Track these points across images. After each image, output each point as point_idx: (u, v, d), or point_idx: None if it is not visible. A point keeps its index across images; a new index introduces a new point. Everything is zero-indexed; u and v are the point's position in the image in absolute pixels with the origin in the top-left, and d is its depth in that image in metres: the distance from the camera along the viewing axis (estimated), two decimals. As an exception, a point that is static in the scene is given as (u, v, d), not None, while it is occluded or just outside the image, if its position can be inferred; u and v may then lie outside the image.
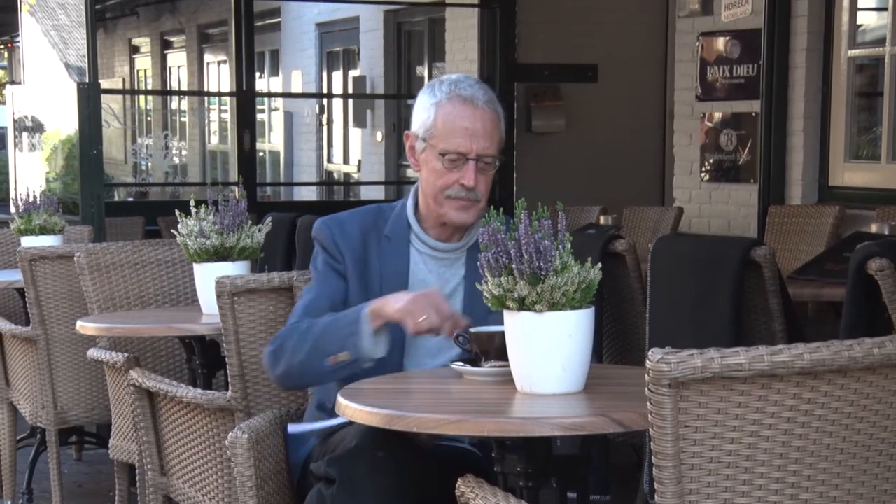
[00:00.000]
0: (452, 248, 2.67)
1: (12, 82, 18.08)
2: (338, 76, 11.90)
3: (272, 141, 13.71)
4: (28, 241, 4.90)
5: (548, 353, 2.19)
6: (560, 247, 2.20)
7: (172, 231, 3.60)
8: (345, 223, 2.70)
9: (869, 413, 1.76)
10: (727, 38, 6.51)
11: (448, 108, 2.60)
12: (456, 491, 2.06)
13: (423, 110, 2.63)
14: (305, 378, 2.63)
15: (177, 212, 3.57)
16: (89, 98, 6.01)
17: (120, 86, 16.98)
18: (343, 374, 2.51)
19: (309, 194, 11.92)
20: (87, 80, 6.16)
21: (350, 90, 11.40)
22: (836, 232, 5.48)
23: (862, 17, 5.95)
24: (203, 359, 3.57)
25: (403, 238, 2.67)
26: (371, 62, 10.45)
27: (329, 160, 12.28)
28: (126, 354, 3.60)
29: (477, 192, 2.60)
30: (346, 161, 11.93)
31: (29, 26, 8.16)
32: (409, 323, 2.43)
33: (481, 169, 2.60)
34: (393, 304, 2.46)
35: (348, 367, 2.50)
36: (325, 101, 12.31)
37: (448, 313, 2.43)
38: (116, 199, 9.63)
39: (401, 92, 10.31)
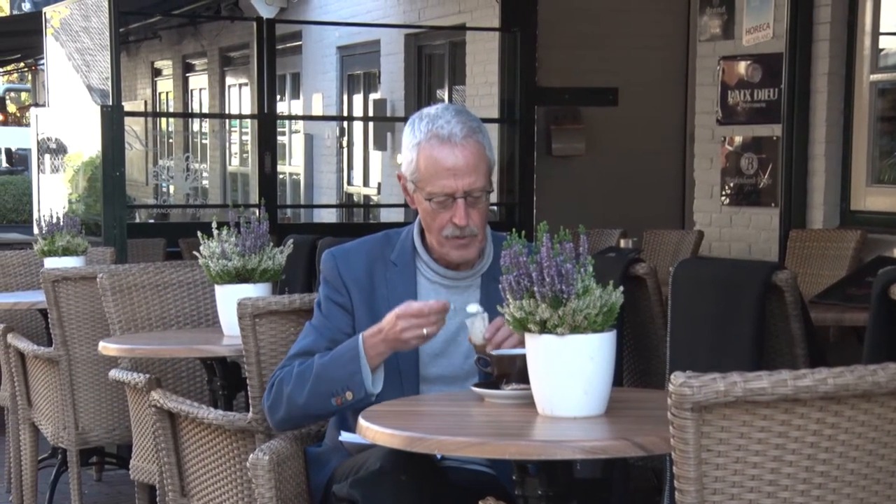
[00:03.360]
0: (465, 276, 2.67)
1: (36, 105, 18.21)
2: (358, 99, 11.94)
3: (292, 163, 13.75)
4: (51, 263, 4.92)
5: (569, 376, 2.19)
6: (582, 270, 2.20)
7: (194, 253, 3.61)
8: (350, 253, 2.71)
9: (893, 438, 1.75)
10: (748, 61, 6.51)
11: (427, 151, 2.59)
12: (477, 514, 2.06)
13: (407, 151, 2.64)
14: (308, 419, 2.69)
15: (199, 234, 3.58)
16: (112, 120, 6.05)
17: (142, 108, 17.08)
18: (347, 410, 2.59)
19: (329, 216, 11.95)
20: (110, 103, 6.20)
21: (370, 113, 11.44)
22: (858, 256, 5.46)
23: (884, 42, 5.95)
24: (224, 380, 3.58)
25: (409, 264, 2.68)
26: (392, 85, 10.48)
27: (349, 182, 12.31)
28: (147, 375, 3.61)
29: (471, 227, 2.60)
30: (366, 183, 11.95)
31: (53, 49, 8.22)
32: (415, 343, 2.50)
33: (471, 203, 2.59)
34: (384, 340, 2.51)
35: (352, 404, 2.55)
36: (345, 123, 12.35)
37: (427, 309, 2.48)
38: (138, 220, 9.68)
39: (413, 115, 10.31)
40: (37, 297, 4.72)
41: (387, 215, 10.70)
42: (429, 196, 2.59)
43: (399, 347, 2.53)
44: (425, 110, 2.67)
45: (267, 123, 7.60)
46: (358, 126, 12.11)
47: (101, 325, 4.30)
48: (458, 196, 2.57)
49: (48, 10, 8.25)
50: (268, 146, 7.49)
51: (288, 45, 12.33)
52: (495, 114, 7.86)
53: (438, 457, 2.49)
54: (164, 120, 16.96)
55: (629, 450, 2.02)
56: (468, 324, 2.48)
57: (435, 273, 2.67)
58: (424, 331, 2.48)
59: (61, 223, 5.07)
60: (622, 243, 5.70)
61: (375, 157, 11.53)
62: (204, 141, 16.27)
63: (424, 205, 2.62)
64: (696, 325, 3.34)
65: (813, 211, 6.01)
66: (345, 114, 12.17)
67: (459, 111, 2.65)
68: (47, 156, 7.63)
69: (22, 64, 19.20)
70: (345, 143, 12.33)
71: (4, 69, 21.22)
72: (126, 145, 6.37)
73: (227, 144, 15.68)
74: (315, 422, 2.76)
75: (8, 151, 21.50)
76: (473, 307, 2.48)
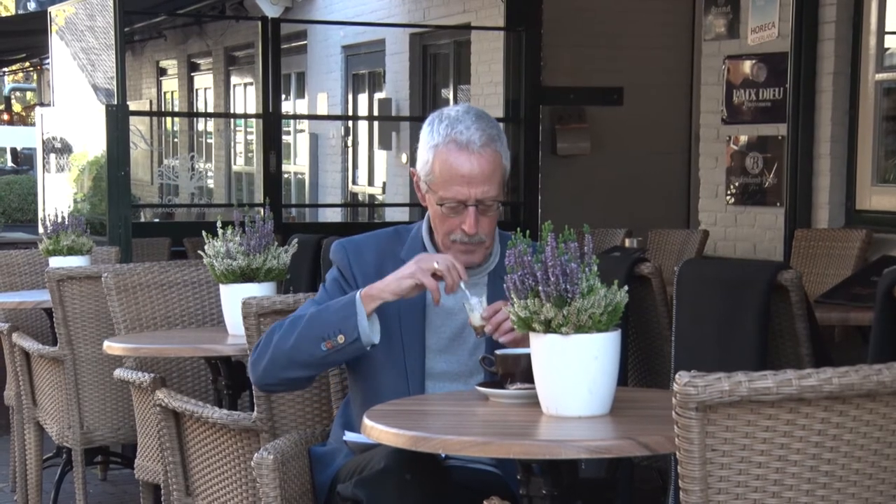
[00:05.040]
0: (473, 274, 2.66)
1: (41, 104, 18.22)
2: (363, 98, 11.94)
3: (297, 163, 13.75)
4: (56, 262, 4.93)
5: (574, 375, 2.19)
6: (586, 269, 2.20)
7: (199, 252, 3.62)
8: (361, 246, 2.72)
9: (898, 438, 1.75)
10: (753, 61, 6.51)
11: (444, 156, 2.57)
12: (482, 513, 2.06)
13: (424, 151, 2.63)
14: (291, 368, 2.59)
15: (204, 233, 3.59)
16: (117, 120, 6.06)
17: (147, 107, 17.08)
18: (335, 360, 2.58)
19: (334, 216, 11.94)
20: (115, 102, 6.21)
21: (375, 112, 11.44)
22: (864, 256, 5.45)
23: (889, 41, 5.94)
24: (228, 379, 3.58)
25: None
26: (397, 85, 10.48)
27: (354, 182, 12.30)
28: (152, 375, 3.61)
29: (480, 234, 2.60)
30: (370, 183, 11.95)
31: (58, 49, 8.23)
32: (426, 280, 2.50)
33: (482, 211, 2.59)
34: (392, 282, 2.52)
35: (342, 351, 2.54)
36: (350, 123, 12.35)
37: (451, 263, 2.49)
38: (142, 220, 9.68)
39: (426, 114, 10.28)
40: (42, 297, 4.73)
41: (391, 214, 10.70)
42: (441, 201, 2.59)
43: (398, 291, 2.51)
44: (446, 111, 2.64)
45: (272, 123, 7.60)
46: (363, 125, 12.11)
47: (105, 325, 4.30)
48: (470, 204, 2.57)
49: (53, 10, 8.26)
50: (273, 145, 7.48)
51: (293, 44, 12.33)
52: (500, 113, 7.85)
53: (443, 456, 2.49)
54: (169, 119, 16.98)
55: (634, 449, 2.02)
56: (466, 307, 2.48)
57: (442, 269, 2.67)
58: (435, 264, 2.48)
59: (66, 222, 5.08)
60: (627, 243, 5.70)
61: (380, 156, 11.53)
62: (209, 140, 16.28)
63: (435, 208, 2.62)
64: (701, 325, 3.33)
65: (818, 210, 6.01)
66: (350, 113, 12.17)
67: (480, 116, 2.62)
68: (52, 155, 7.64)
69: (27, 63, 19.23)
70: (350, 143, 12.34)
71: (10, 69, 21.25)
72: (131, 145, 6.37)
73: (232, 144, 15.69)
74: (299, 374, 2.61)
75: (13, 151, 21.53)
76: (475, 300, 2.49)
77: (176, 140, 16.76)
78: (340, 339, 2.52)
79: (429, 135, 2.62)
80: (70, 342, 4.40)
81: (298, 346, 2.56)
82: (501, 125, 8.24)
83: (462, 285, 2.51)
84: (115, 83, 6.25)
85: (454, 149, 2.57)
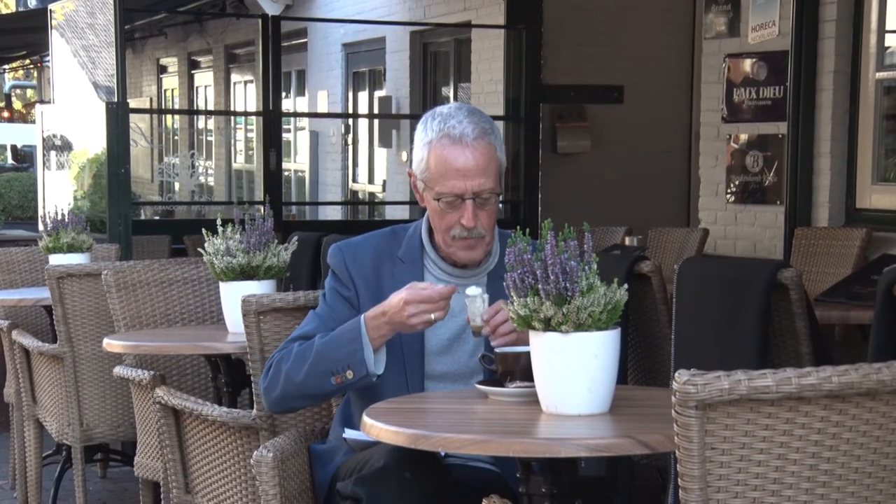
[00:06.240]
0: (472, 274, 2.67)
1: (41, 101, 18.22)
2: (363, 96, 11.94)
3: (298, 161, 13.75)
4: (56, 259, 4.93)
5: (573, 373, 2.19)
6: (586, 267, 2.20)
7: (199, 250, 3.62)
8: (358, 248, 2.72)
9: (898, 437, 1.75)
10: (754, 59, 6.51)
11: (438, 150, 2.58)
12: (481, 511, 2.06)
13: (418, 149, 2.63)
14: (304, 399, 2.69)
15: (203, 231, 3.59)
16: (117, 117, 6.06)
17: (147, 105, 17.08)
18: (343, 391, 2.61)
19: (334, 214, 11.95)
20: (115, 100, 6.21)
21: (376, 110, 11.44)
22: (864, 254, 5.45)
23: (890, 40, 5.94)
24: (228, 377, 3.58)
25: (417, 261, 2.68)
26: (397, 83, 10.48)
27: (354, 180, 12.30)
28: (152, 372, 3.61)
29: (479, 228, 2.60)
30: (371, 181, 11.95)
31: (58, 46, 8.24)
32: (421, 328, 2.51)
33: (480, 205, 2.59)
34: (388, 322, 2.51)
35: (352, 384, 2.56)
36: (350, 121, 12.35)
37: (436, 295, 2.48)
38: (143, 217, 9.68)
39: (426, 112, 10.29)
40: (42, 294, 4.73)
41: (391, 212, 10.71)
42: (437, 196, 2.59)
43: (403, 331, 2.54)
44: (438, 109, 2.65)
45: (272, 120, 7.59)
46: (363, 123, 12.11)
47: (105, 322, 4.30)
48: (467, 197, 2.57)
49: (53, 7, 8.27)
50: (273, 143, 7.48)
51: (293, 42, 12.33)
52: (500, 111, 7.85)
53: (442, 454, 2.49)
54: (169, 117, 16.98)
55: (633, 448, 2.02)
56: (467, 304, 2.47)
57: (441, 270, 2.68)
58: (432, 316, 2.49)
59: (66, 220, 5.08)
60: (627, 241, 5.70)
61: (380, 154, 11.53)
62: (209, 138, 16.28)
63: (433, 204, 2.62)
64: (700, 323, 3.33)
65: (818, 209, 6.01)
66: (350, 111, 12.17)
67: (472, 111, 2.63)
68: (53, 152, 7.64)
69: (27, 61, 19.22)
70: (350, 141, 12.34)
71: (10, 66, 21.25)
72: (131, 142, 6.37)
73: (233, 141, 15.69)
74: (310, 403, 2.77)
75: (14, 148, 21.53)
76: (474, 290, 2.48)
77: (176, 138, 16.77)
78: (349, 374, 2.55)
79: (423, 132, 2.63)
80: (70, 339, 4.40)
81: (308, 381, 2.59)
82: (502, 123, 8.23)
83: (459, 292, 2.51)
84: (115, 80, 6.26)
85: (448, 143, 2.57)
